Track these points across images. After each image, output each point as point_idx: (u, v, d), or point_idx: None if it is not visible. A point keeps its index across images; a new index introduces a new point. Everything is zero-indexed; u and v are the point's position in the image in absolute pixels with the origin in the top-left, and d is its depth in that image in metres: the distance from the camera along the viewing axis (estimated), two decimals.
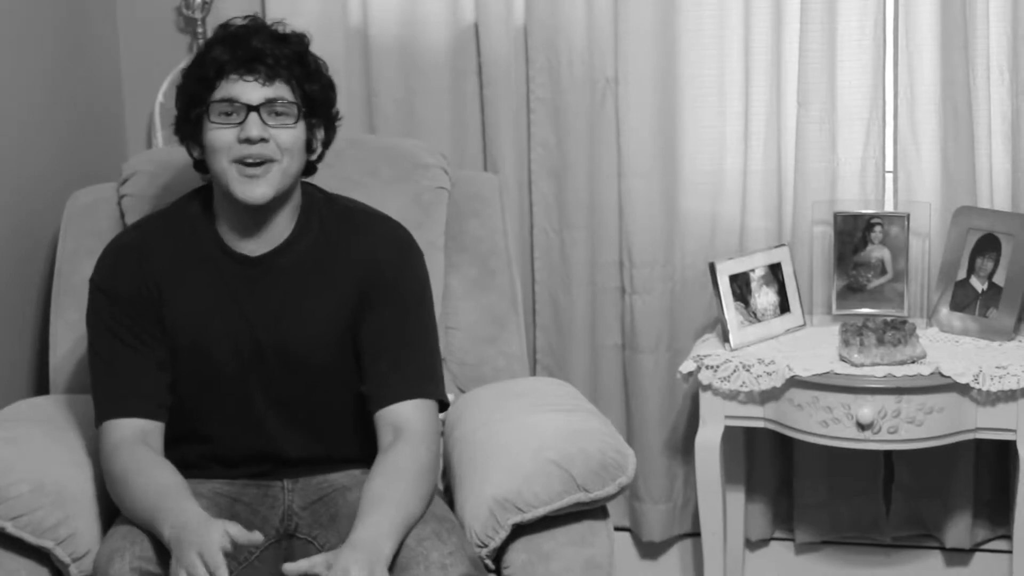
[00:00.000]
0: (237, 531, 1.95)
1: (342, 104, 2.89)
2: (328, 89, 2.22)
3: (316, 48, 2.80)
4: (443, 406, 2.27)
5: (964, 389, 2.58)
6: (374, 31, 2.93)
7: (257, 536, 1.97)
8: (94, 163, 2.91)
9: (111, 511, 2.18)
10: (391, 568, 2.00)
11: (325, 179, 2.38)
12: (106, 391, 2.19)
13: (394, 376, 2.18)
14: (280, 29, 2.18)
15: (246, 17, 2.20)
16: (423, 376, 2.20)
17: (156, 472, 2.11)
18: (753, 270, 2.79)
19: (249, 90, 2.12)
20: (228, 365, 2.20)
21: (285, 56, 2.14)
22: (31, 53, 2.71)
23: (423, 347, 2.23)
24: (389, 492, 2.06)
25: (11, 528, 2.06)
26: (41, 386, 2.66)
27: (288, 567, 1.95)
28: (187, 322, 2.20)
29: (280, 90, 2.13)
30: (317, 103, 2.19)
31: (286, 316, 2.20)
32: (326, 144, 2.25)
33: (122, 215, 2.59)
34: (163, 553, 2.00)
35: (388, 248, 2.24)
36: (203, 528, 1.95)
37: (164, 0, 3.01)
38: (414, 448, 2.13)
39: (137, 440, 2.14)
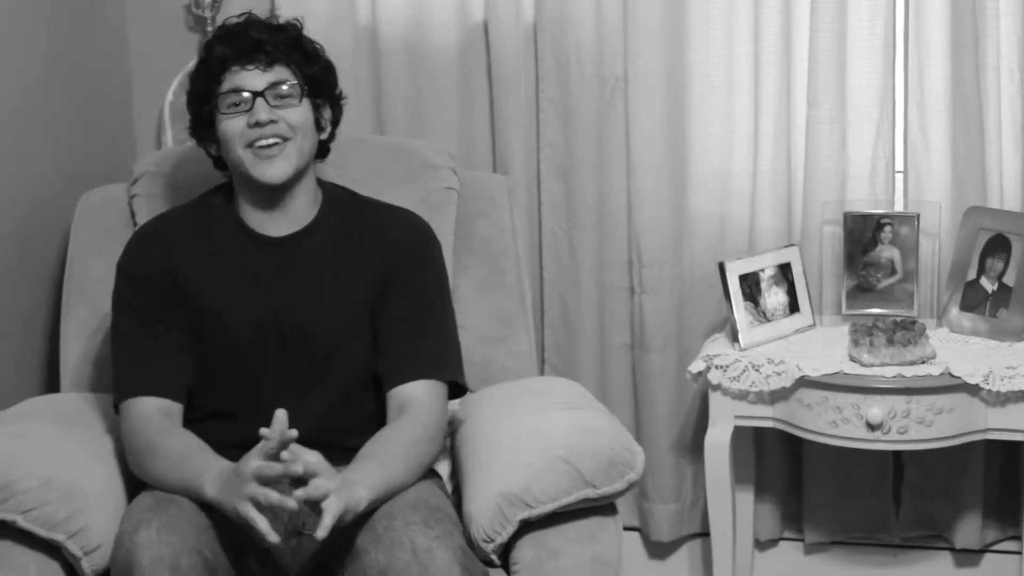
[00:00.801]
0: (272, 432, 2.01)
1: (351, 103, 2.91)
2: (328, 70, 2.33)
3: (325, 46, 2.82)
4: (462, 389, 2.33)
5: (974, 390, 2.57)
6: (383, 29, 2.93)
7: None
8: (104, 163, 2.92)
9: (122, 506, 2.19)
10: (369, 542, 2.04)
11: (333, 179, 2.40)
12: (127, 371, 2.25)
13: (408, 358, 2.25)
14: (274, 21, 2.31)
15: (241, 15, 2.32)
16: (436, 359, 2.27)
17: (181, 436, 2.19)
18: (763, 270, 2.78)
19: (252, 78, 2.23)
20: (248, 344, 2.26)
21: (282, 42, 2.26)
22: (40, 53, 2.72)
23: (439, 331, 2.30)
24: (378, 453, 2.14)
25: (22, 522, 2.07)
26: (52, 384, 2.67)
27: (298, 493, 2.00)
28: (210, 301, 2.26)
29: (281, 73, 2.24)
30: (319, 83, 2.29)
31: (306, 296, 2.27)
32: (334, 123, 2.34)
33: (132, 215, 2.60)
34: (187, 523, 2.03)
35: (408, 235, 2.33)
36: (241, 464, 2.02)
37: None
38: (413, 421, 2.20)
39: (158, 415, 2.21)
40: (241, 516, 2.00)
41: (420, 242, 2.33)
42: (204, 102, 2.26)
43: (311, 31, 2.84)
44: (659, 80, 2.87)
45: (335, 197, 2.34)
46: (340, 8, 2.92)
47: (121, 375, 2.26)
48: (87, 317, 2.55)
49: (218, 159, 2.31)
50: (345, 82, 2.87)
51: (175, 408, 2.24)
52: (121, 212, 2.62)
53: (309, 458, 2.03)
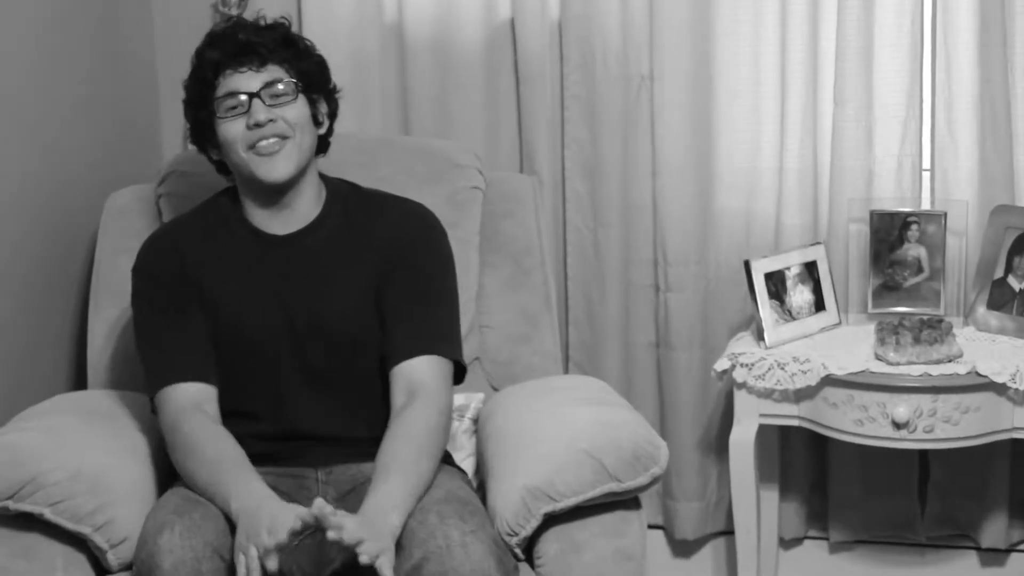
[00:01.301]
0: (306, 513, 2.01)
1: (377, 102, 2.92)
2: (320, 65, 2.34)
3: (351, 45, 2.82)
4: (462, 372, 2.32)
5: (1001, 388, 2.56)
6: (409, 28, 2.94)
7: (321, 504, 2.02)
8: (131, 163, 2.93)
9: (149, 500, 2.21)
10: (404, 538, 2.04)
11: (359, 179, 2.41)
12: (155, 363, 2.27)
13: (410, 334, 2.26)
14: (262, 22, 2.31)
15: (228, 19, 2.37)
16: (437, 335, 2.28)
17: (220, 444, 2.19)
18: (788, 268, 2.78)
19: (246, 80, 2.25)
20: (264, 344, 2.27)
21: (272, 41, 2.27)
22: (67, 54, 2.73)
23: (440, 309, 2.31)
24: (401, 457, 2.13)
25: (49, 514, 2.09)
26: (79, 382, 2.70)
27: (318, 511, 1.99)
28: (223, 302, 2.28)
29: (274, 72, 2.26)
30: (312, 78, 2.31)
31: (317, 293, 2.28)
32: (332, 116, 2.36)
33: (160, 214, 2.62)
34: (211, 527, 2.04)
35: (410, 223, 2.34)
36: (277, 509, 2.03)
37: None
38: (425, 409, 2.20)
39: (195, 408, 2.22)
40: (239, 549, 2.01)
41: (420, 228, 2.34)
42: (201, 107, 2.28)
43: (337, 30, 2.86)
44: (685, 78, 2.86)
45: (338, 192, 2.36)
46: (366, 6, 2.92)
47: (150, 368, 2.28)
48: (114, 316, 2.57)
49: (219, 163, 2.34)
50: (371, 80, 2.91)
51: (209, 392, 2.25)
52: (148, 212, 2.64)
53: (349, 528, 2.00)
